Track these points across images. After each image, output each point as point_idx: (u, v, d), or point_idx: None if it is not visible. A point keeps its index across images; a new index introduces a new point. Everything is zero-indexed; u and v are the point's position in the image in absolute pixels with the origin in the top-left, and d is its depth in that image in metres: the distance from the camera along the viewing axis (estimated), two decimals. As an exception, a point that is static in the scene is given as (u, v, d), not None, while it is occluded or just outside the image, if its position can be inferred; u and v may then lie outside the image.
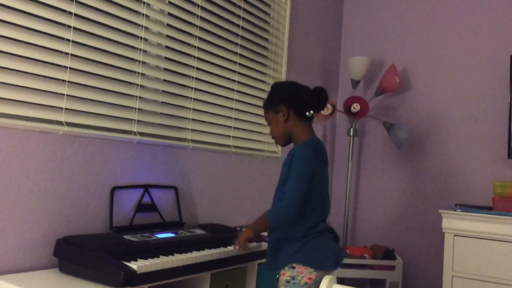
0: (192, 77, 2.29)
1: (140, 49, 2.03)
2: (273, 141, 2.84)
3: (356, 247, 3.02)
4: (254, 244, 2.00)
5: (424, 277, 3.16)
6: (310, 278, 1.71)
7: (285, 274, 1.74)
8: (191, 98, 2.28)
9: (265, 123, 2.77)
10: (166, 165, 2.16)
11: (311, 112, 1.82)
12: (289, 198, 1.70)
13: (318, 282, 1.71)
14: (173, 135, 2.21)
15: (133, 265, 1.51)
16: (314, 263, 1.71)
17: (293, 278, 1.72)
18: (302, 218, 1.72)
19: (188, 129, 2.28)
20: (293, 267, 1.72)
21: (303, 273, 1.71)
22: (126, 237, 1.74)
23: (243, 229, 2.00)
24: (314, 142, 1.80)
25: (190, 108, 2.28)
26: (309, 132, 1.84)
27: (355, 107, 3.05)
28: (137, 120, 2.03)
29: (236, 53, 2.56)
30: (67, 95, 1.75)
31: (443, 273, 2.57)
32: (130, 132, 2.00)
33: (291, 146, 1.86)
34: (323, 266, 1.73)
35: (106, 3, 1.88)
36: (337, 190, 3.55)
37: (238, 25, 2.56)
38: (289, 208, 1.69)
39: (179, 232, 1.94)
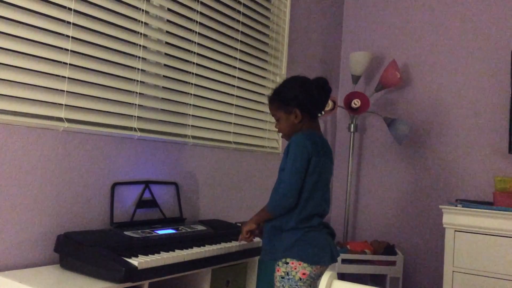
0: (193, 73, 2.29)
1: (140, 45, 2.03)
2: (274, 136, 2.87)
3: (356, 243, 3.02)
4: (257, 238, 2.00)
5: (425, 273, 3.16)
6: (304, 273, 1.71)
7: (280, 270, 1.75)
8: (191, 94, 2.28)
9: (266, 119, 2.79)
10: (166, 161, 2.16)
11: (322, 112, 1.89)
12: (285, 184, 1.72)
13: (313, 277, 1.72)
14: (174, 131, 2.21)
15: (134, 261, 1.51)
16: (308, 258, 1.71)
17: (287, 273, 1.72)
18: (298, 205, 1.74)
19: (189, 125, 2.28)
20: (287, 263, 1.73)
21: (296, 268, 1.71)
22: (127, 233, 1.74)
23: (245, 223, 1.99)
24: (312, 133, 1.83)
25: (190, 104, 2.28)
26: (315, 128, 1.89)
27: (356, 103, 3.05)
28: (138, 117, 2.03)
29: (236, 49, 2.55)
30: (67, 91, 1.75)
31: (444, 268, 2.57)
32: (130, 129, 2.00)
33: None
34: (318, 261, 1.73)
35: (106, -1, 1.88)
36: (338, 185, 3.55)
37: (238, 21, 2.56)
38: (286, 193, 1.72)
39: (179, 228, 1.95)
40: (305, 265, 1.71)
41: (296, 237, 1.73)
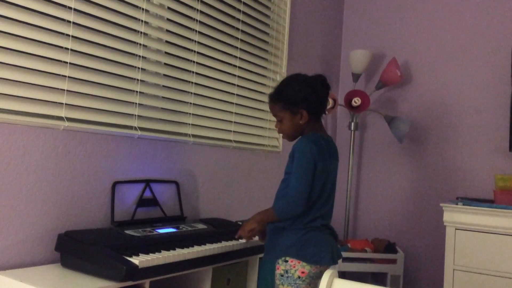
0: (193, 72, 2.29)
1: (140, 44, 2.02)
2: (274, 135, 2.86)
3: (357, 241, 3.02)
4: (256, 238, 2.00)
5: (426, 271, 3.16)
6: (303, 272, 1.71)
7: (279, 268, 1.75)
8: (191, 93, 2.28)
9: (267, 117, 2.79)
10: (167, 160, 2.16)
11: (326, 112, 1.83)
12: (294, 191, 1.71)
13: (312, 277, 1.72)
14: (174, 130, 2.21)
15: (135, 259, 1.52)
16: (307, 257, 1.71)
17: (286, 272, 1.73)
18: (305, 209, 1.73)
19: (189, 124, 2.28)
20: (286, 261, 1.73)
21: (295, 266, 1.72)
22: (128, 231, 1.74)
23: (247, 221, 1.97)
24: (316, 136, 1.80)
25: (190, 103, 2.28)
26: (319, 128, 1.85)
27: (356, 101, 3.05)
28: (138, 115, 2.03)
29: (236, 48, 2.55)
30: (67, 90, 1.75)
31: (445, 266, 2.57)
32: (131, 127, 2.00)
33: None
34: (318, 261, 1.73)
35: (106, -2, 1.88)
36: (339, 183, 3.50)
37: (238, 19, 2.56)
38: (296, 201, 1.71)
39: (180, 227, 1.95)
40: (304, 263, 1.71)
41: (297, 236, 1.73)
